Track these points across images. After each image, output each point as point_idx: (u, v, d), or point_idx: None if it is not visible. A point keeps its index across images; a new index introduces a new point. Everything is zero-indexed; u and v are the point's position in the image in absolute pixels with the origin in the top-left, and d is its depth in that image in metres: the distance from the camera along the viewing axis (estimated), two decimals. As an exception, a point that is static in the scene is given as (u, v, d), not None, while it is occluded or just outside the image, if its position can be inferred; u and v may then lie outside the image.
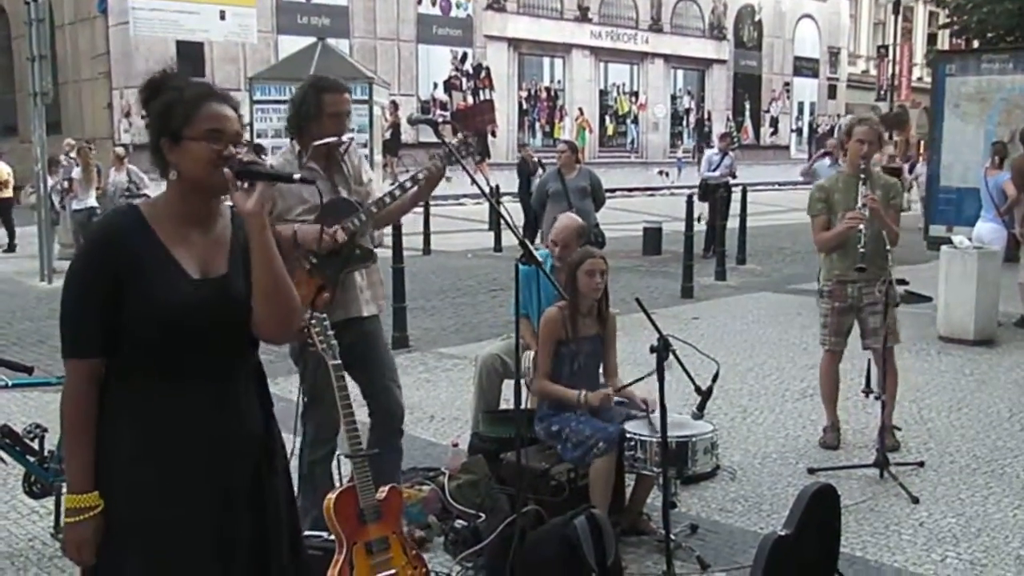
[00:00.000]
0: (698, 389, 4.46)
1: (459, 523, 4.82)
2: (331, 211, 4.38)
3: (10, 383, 5.06)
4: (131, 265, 2.42)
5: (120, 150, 16.37)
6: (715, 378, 4.49)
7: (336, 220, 4.36)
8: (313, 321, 3.89)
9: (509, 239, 16.90)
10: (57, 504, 4.97)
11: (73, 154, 16.06)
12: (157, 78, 2.56)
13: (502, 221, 4.25)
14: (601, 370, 5.15)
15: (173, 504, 2.45)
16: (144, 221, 2.49)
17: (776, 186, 33.11)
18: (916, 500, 5.39)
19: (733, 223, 15.80)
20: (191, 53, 26.49)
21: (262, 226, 2.47)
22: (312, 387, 4.48)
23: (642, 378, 4.98)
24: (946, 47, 32.33)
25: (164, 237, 2.48)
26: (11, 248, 17.75)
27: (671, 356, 4.24)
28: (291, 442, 6.38)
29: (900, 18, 40.02)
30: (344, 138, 4.50)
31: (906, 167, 22.77)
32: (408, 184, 4.51)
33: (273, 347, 9.25)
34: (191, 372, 2.49)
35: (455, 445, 5.53)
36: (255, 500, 2.59)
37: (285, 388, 7.88)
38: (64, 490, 2.48)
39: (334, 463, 4.56)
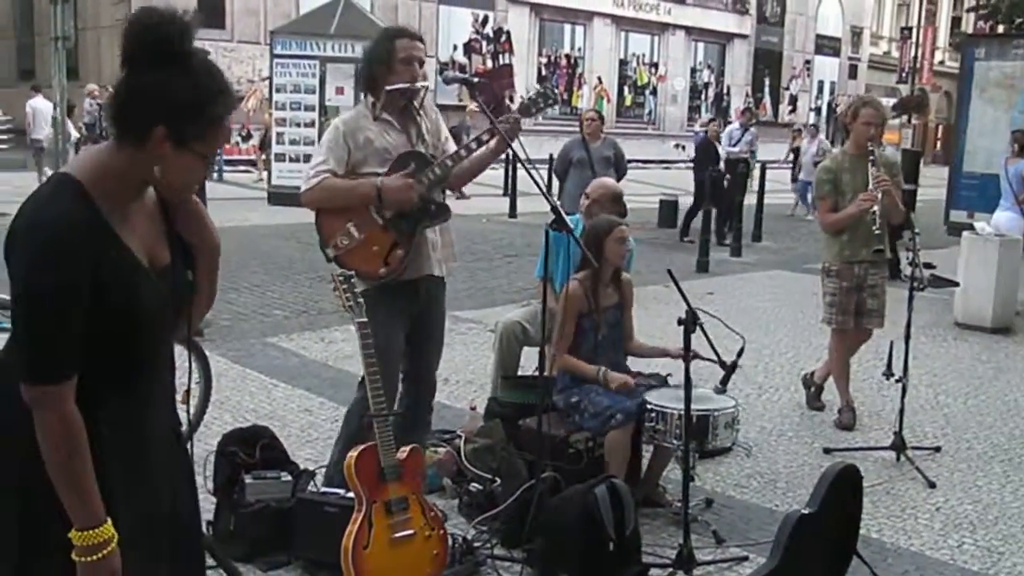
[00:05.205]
0: (723, 363, 4.42)
1: (474, 486, 4.80)
2: (404, 165, 4.25)
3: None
4: (99, 261, 2.10)
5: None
6: (740, 353, 4.45)
7: (410, 175, 4.22)
8: (341, 278, 3.85)
9: (524, 206, 16.84)
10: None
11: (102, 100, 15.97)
12: (180, 40, 2.13)
13: (528, 187, 4.15)
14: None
15: (145, 503, 2.27)
16: (91, 201, 2.12)
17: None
18: (933, 485, 5.36)
19: (749, 199, 15.73)
20: (212, 4, 26.30)
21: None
22: (378, 350, 4.25)
23: (664, 351, 4.97)
24: (970, 31, 32.02)
25: (110, 218, 2.15)
26: None
27: (698, 329, 4.19)
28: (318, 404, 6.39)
29: (925, 0, 39.65)
30: (418, 84, 4.29)
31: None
32: (484, 138, 4.30)
33: (288, 303, 9.20)
34: (145, 376, 2.28)
35: (472, 408, 5.51)
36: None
37: (299, 344, 7.91)
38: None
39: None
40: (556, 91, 4.62)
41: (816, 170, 6.53)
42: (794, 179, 19.93)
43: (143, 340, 2.22)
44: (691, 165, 18.02)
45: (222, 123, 2.21)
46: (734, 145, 16.77)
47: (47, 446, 2.09)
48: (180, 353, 2.49)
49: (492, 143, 4.32)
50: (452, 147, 4.46)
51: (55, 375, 2.08)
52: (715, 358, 4.46)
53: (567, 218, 4.23)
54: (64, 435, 2.09)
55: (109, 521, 2.14)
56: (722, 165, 15.59)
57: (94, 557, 2.12)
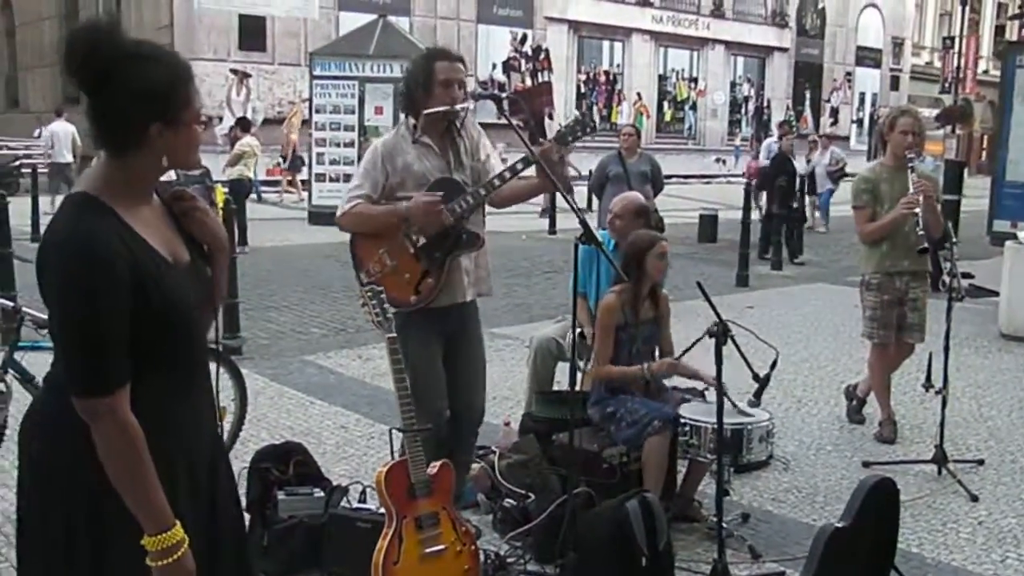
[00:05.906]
0: (756, 376, 4.38)
1: (508, 502, 4.78)
2: (437, 192, 4.21)
3: None
4: (131, 264, 2.13)
5: None
6: (773, 365, 4.40)
7: (443, 202, 4.17)
8: (369, 293, 3.85)
9: (563, 223, 16.83)
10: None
11: None
12: (130, 43, 2.19)
13: (560, 203, 4.12)
14: (656, 352, 5.08)
15: (182, 505, 2.26)
16: (111, 211, 2.17)
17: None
18: (975, 498, 5.27)
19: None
20: (253, 27, 26.62)
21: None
22: (411, 370, 4.06)
23: (693, 344, 4.84)
24: (1015, 39, 31.61)
25: (130, 222, 2.20)
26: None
27: (729, 341, 4.15)
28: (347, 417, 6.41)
29: (967, 9, 39.11)
30: (457, 107, 4.25)
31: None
32: (519, 166, 4.19)
33: (326, 321, 9.24)
34: (184, 370, 2.32)
35: (507, 424, 5.50)
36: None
37: (336, 361, 7.94)
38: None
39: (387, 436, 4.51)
40: (594, 120, 4.57)
41: (854, 180, 6.45)
42: (810, 192, 19.38)
43: (178, 336, 2.25)
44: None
45: (192, 79, 2.28)
46: (772, 158, 16.68)
47: (108, 457, 2.11)
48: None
49: (532, 179, 4.26)
50: (494, 164, 4.41)
51: (106, 386, 2.10)
52: (749, 371, 4.42)
53: (598, 233, 4.21)
54: (124, 444, 2.11)
55: (179, 524, 2.16)
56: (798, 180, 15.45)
57: (169, 560, 2.15)
